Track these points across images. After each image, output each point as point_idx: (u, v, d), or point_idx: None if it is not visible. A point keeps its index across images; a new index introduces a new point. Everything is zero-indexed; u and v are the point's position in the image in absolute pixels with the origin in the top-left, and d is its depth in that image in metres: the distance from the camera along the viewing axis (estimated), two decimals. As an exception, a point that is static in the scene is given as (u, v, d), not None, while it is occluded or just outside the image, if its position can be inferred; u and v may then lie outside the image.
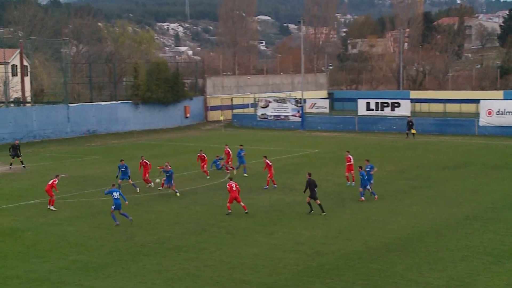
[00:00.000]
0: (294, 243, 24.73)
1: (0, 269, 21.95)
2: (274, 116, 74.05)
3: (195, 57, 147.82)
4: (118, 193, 27.97)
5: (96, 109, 67.16)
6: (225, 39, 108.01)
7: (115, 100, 70.43)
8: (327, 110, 76.70)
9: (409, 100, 73.27)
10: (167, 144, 59.01)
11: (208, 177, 39.51)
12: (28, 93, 71.22)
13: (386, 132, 66.55)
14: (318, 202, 29.54)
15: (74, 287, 20.23)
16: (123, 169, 35.51)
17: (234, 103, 78.91)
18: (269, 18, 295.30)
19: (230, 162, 41.64)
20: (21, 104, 69.86)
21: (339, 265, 22.09)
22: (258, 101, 76.31)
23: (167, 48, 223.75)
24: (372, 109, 71.81)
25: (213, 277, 20.98)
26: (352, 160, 36.57)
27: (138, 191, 35.27)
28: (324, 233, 26.26)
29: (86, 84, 74.39)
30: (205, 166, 40.05)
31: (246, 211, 29.66)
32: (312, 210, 29.62)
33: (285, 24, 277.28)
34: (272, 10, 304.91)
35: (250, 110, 78.84)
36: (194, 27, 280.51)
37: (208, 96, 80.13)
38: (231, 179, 30.95)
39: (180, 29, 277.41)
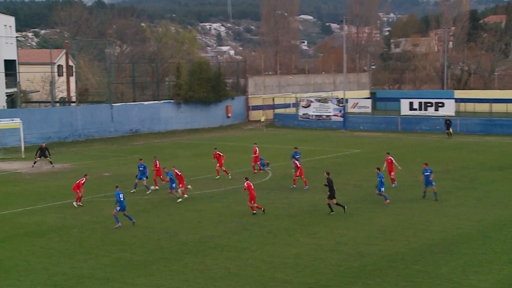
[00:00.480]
0: (336, 243, 24.59)
1: (46, 266, 22.35)
2: (316, 115, 73.80)
3: (237, 56, 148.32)
4: (122, 194, 27.62)
5: (139, 108, 67.89)
6: (267, 38, 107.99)
7: (157, 100, 71.11)
8: (369, 110, 76.09)
9: (453, 100, 72.25)
10: (208, 144, 59.19)
11: (229, 177, 39.29)
12: (73, 93, 72.46)
13: (429, 132, 65.73)
14: (335, 201, 29.48)
15: (118, 284, 20.47)
16: (141, 169, 35.46)
17: (275, 103, 78.89)
18: (311, 17, 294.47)
19: (259, 162, 41.33)
20: (67, 104, 71.11)
21: (381, 266, 21.89)
22: (299, 101, 76.15)
23: (209, 48, 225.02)
24: (415, 109, 71.05)
25: (255, 277, 20.99)
26: (393, 161, 36.10)
27: (148, 192, 35.24)
28: (367, 233, 26.06)
29: (129, 84, 75.27)
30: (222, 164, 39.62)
31: (263, 209, 29.74)
32: (333, 211, 29.49)
33: (327, 24, 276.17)
34: (314, 9, 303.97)
35: (291, 110, 78.73)
36: (236, 27, 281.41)
37: (249, 96, 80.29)
38: (247, 178, 30.59)
39: (222, 28, 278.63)
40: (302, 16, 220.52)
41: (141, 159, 36.59)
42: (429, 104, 70.49)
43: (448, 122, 61.67)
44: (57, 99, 71.37)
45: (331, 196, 29.47)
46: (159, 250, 24.12)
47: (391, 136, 63.62)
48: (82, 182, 31.83)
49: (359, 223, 27.86)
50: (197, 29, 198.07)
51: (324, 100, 74.33)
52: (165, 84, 78.02)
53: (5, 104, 63.24)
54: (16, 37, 73.14)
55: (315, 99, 75.07)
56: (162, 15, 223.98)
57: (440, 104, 69.95)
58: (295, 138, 63.00)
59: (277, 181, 37.67)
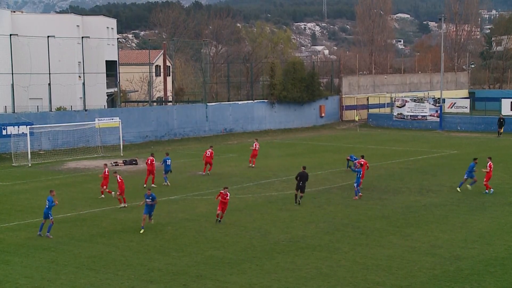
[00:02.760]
0: (430, 246, 24.03)
1: (143, 261, 22.97)
2: (411, 116, 72.34)
3: (331, 56, 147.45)
4: (50, 203, 26.20)
5: (233, 108, 68.67)
6: (362, 38, 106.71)
7: (251, 100, 71.69)
8: (467, 110, 73.85)
9: (558, 100, 69.07)
10: (301, 143, 59.24)
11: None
12: (169, 93, 74.14)
13: (532, 133, 63.14)
14: (302, 195, 31.56)
15: (211, 282, 20.76)
16: (168, 163, 37.09)
17: (369, 103, 77.93)
18: (408, 16, 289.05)
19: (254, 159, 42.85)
20: (163, 103, 72.85)
21: (479, 270, 21.20)
22: (394, 101, 74.88)
23: (303, 47, 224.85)
24: (517, 109, 68.46)
25: (347, 278, 20.80)
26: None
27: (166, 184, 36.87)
28: (463, 236, 25.31)
29: (224, 84, 76.27)
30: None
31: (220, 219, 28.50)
32: (296, 202, 31.52)
33: (424, 22, 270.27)
34: (412, 7, 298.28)
35: (386, 110, 77.55)
36: (331, 26, 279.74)
37: (343, 96, 79.67)
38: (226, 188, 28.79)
39: (317, 28, 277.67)
40: (399, 14, 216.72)
41: (167, 153, 38.72)
42: (532, 104, 67.74)
43: (501, 120, 62.13)
44: (154, 99, 73.23)
45: (300, 188, 31.44)
46: (251, 248, 24.30)
47: (491, 137, 61.53)
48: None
49: (455, 226, 27.09)
50: (292, 29, 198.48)
51: (420, 100, 72.77)
52: (259, 84, 78.54)
53: (105, 104, 65.50)
54: (117, 38, 75.61)
55: (411, 99, 73.63)
56: (257, 15, 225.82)
57: (544, 104, 67.11)
58: (389, 138, 62.03)
59: (370, 182, 37.16)
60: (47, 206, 26.34)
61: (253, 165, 43.83)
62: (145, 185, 36.35)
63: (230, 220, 28.73)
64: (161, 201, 33.21)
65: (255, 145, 44.76)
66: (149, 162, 36.85)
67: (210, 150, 41.47)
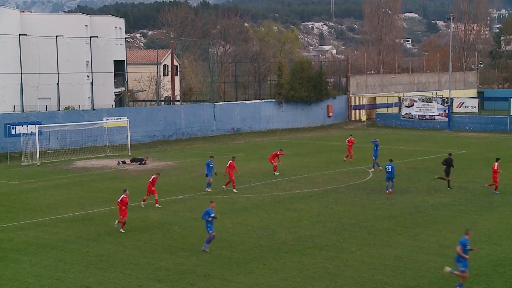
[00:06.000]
0: (438, 246, 23.95)
1: (150, 260, 22.99)
2: (419, 115, 72.17)
3: (339, 56, 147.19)
4: None
5: (241, 107, 68.66)
6: (370, 37, 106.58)
7: (259, 99, 71.66)
8: (476, 110, 73.63)
9: None
10: (309, 143, 59.20)
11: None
12: (177, 92, 74.26)
13: (541, 133, 62.89)
14: (447, 179, 34.45)
15: (218, 281, 20.76)
16: (211, 166, 35.06)
17: (377, 102, 77.79)
18: (416, 15, 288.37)
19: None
20: (171, 103, 72.94)
21: (487, 271, 21.12)
22: (402, 100, 74.71)
23: (311, 47, 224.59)
24: (527, 109, 68.24)
25: (354, 277, 20.77)
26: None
27: (209, 190, 35.21)
28: (471, 237, 25.16)
29: (231, 83, 76.27)
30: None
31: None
32: (449, 186, 34.46)
33: (433, 21, 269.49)
34: (420, 7, 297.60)
35: (394, 110, 77.39)
36: (339, 26, 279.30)
37: (351, 95, 79.55)
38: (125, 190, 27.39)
39: (325, 28, 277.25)
40: (407, 14, 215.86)
41: (211, 157, 36.19)
42: (541, 104, 67.49)
43: None
44: (162, 98, 73.36)
45: (446, 173, 34.74)
46: (258, 248, 24.29)
47: (499, 137, 61.31)
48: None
49: (463, 226, 26.94)
50: (300, 29, 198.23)
51: (428, 100, 72.61)
52: (266, 84, 78.54)
53: (113, 103, 65.62)
54: (125, 38, 75.70)
55: (419, 99, 73.46)
56: (265, 15, 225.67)
57: (553, 104, 66.84)
58: (397, 138, 61.93)
59: (378, 182, 37.11)
60: (207, 219, 24.03)
61: (350, 159, 45.67)
62: (229, 188, 35.57)
63: (238, 220, 28.74)
64: (169, 200, 33.30)
65: (349, 141, 46.02)
66: (228, 165, 35.17)
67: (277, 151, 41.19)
